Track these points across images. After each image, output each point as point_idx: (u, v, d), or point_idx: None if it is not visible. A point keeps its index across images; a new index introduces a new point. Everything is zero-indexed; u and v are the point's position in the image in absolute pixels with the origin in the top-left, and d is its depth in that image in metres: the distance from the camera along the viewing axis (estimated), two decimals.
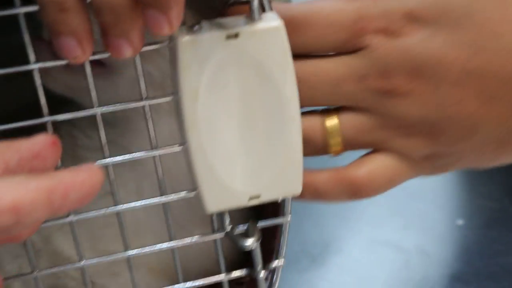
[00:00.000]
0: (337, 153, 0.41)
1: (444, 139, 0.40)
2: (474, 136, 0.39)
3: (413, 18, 0.37)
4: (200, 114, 0.35)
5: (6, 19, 0.33)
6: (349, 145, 0.41)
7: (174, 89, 0.35)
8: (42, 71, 0.35)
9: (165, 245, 0.40)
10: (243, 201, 0.37)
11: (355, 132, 0.40)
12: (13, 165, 0.31)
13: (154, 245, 0.39)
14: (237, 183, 0.36)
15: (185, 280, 0.41)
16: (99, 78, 0.37)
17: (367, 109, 0.39)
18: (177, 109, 0.36)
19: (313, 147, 0.41)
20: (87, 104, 0.36)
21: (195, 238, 0.40)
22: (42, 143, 0.33)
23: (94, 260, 0.39)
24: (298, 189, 0.38)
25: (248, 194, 0.37)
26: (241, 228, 0.40)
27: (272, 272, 0.43)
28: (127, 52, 0.33)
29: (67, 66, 0.34)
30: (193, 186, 0.38)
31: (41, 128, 0.35)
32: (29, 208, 0.27)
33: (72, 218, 0.37)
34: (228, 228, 0.39)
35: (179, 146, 0.37)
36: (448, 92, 0.38)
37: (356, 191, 0.41)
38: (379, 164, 0.41)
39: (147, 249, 0.39)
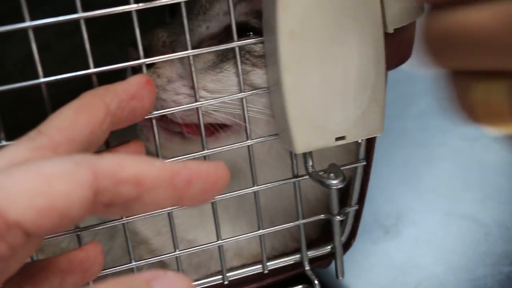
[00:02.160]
0: None
1: None
2: None
3: None
4: (295, 53, 0.36)
5: None
6: None
7: (267, 31, 0.37)
8: None
9: (249, 190, 0.41)
10: (330, 141, 0.38)
11: None
12: (113, 107, 0.32)
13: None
14: (325, 123, 0.38)
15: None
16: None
17: None
18: (269, 51, 0.37)
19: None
20: None
21: (276, 183, 0.42)
22: (137, 83, 0.34)
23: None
24: (380, 129, 0.39)
25: (335, 134, 0.38)
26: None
27: (346, 217, 0.45)
28: None
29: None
30: (279, 129, 0.39)
31: None
32: (151, 184, 0.27)
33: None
34: (312, 170, 0.40)
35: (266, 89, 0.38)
36: None
37: None
38: None
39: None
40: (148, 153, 0.38)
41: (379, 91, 0.38)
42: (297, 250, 0.45)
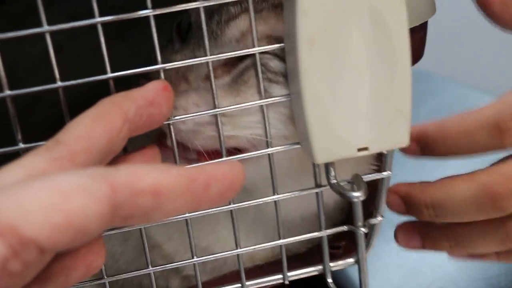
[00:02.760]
0: None
1: None
2: None
3: None
4: (315, 61, 0.34)
5: None
6: None
7: (287, 37, 0.36)
8: None
9: (269, 199, 0.40)
10: (352, 152, 0.37)
11: None
12: (131, 114, 0.32)
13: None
14: (347, 133, 0.36)
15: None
16: None
17: None
18: (289, 57, 0.36)
19: None
20: None
21: (296, 193, 0.40)
22: (154, 89, 0.33)
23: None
24: (405, 141, 0.38)
25: (357, 145, 0.37)
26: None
27: (371, 229, 0.43)
28: None
29: None
30: (300, 138, 0.38)
31: None
32: (170, 193, 0.27)
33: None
34: (334, 180, 0.39)
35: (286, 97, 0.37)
36: None
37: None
38: None
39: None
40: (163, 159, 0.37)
41: (405, 101, 0.36)
42: (310, 251, 0.44)
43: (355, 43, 0.35)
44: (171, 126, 0.37)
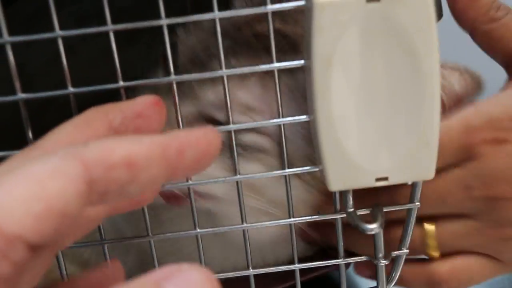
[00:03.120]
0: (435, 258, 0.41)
1: None
2: None
3: None
4: (332, 82, 0.32)
5: None
6: (446, 250, 0.41)
7: (306, 55, 0.33)
8: None
9: (282, 221, 0.38)
10: (370, 182, 0.34)
11: (452, 237, 0.40)
12: (116, 123, 0.31)
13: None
14: (365, 161, 0.34)
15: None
16: None
17: (469, 215, 0.39)
18: (307, 77, 0.34)
19: (412, 246, 0.40)
20: None
21: (315, 217, 0.38)
22: (143, 102, 0.32)
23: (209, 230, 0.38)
24: (430, 174, 0.34)
25: (376, 174, 0.34)
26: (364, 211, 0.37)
27: (394, 261, 0.40)
28: None
29: None
30: (318, 162, 0.36)
31: None
32: (144, 162, 0.26)
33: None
34: (350, 209, 0.36)
35: (306, 116, 0.35)
36: None
37: (435, 285, 0.41)
38: (464, 263, 0.41)
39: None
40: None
41: (432, 133, 0.33)
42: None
43: (376, 65, 0.32)
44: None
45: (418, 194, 0.37)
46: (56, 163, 0.24)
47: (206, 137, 0.28)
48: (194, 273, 0.23)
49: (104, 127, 0.30)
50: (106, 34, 0.33)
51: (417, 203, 0.38)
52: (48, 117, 0.48)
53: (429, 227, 0.40)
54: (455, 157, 0.38)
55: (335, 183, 0.34)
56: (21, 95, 0.34)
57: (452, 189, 0.39)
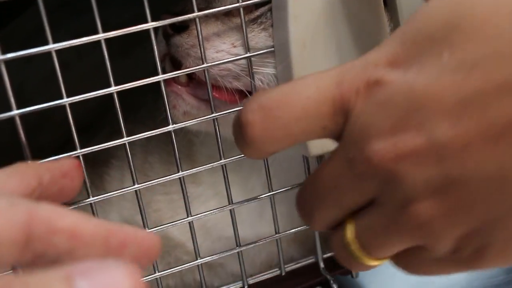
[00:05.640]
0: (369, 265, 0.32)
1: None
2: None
3: (393, 64, 0.28)
4: (307, 62, 0.37)
5: None
6: (373, 252, 0.31)
7: (277, 37, 0.38)
8: None
9: (264, 195, 0.42)
10: None
11: (372, 235, 0.30)
12: (46, 181, 0.33)
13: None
14: None
15: None
16: None
17: (376, 201, 0.29)
18: (281, 60, 0.39)
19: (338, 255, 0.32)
20: None
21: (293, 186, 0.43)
22: (69, 164, 0.35)
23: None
24: None
25: None
26: None
27: None
28: None
29: None
30: None
31: None
32: (85, 239, 0.26)
33: None
34: None
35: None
36: (444, 135, 0.26)
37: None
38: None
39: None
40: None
41: None
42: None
43: (341, 45, 0.38)
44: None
45: None
46: (3, 204, 0.25)
47: (151, 240, 0.28)
48: (116, 273, 0.21)
49: (35, 180, 0.32)
50: (101, 50, 0.35)
51: None
52: (44, 135, 0.47)
53: (349, 225, 0.31)
54: (331, 120, 0.29)
55: (314, 149, 0.39)
56: (15, 111, 0.35)
57: (337, 167, 0.30)
